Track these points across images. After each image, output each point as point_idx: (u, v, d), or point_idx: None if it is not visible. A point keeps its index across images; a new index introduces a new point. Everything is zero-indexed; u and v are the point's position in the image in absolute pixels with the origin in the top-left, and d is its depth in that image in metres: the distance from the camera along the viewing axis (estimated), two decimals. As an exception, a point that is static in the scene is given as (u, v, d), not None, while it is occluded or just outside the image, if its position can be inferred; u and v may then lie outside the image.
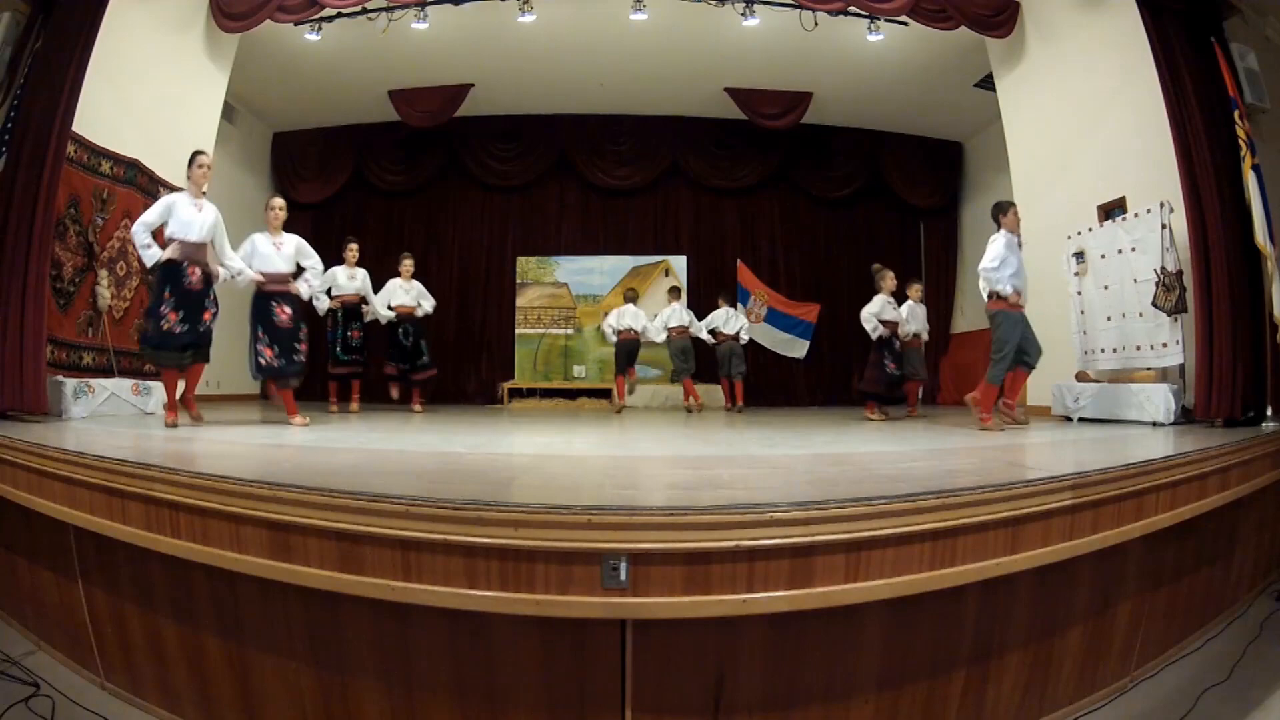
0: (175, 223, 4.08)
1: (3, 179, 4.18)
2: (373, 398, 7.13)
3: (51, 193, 4.32)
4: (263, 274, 4.52)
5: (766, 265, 9.58)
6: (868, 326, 6.15)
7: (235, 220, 4.41)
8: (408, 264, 6.83)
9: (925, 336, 6.97)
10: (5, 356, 4.03)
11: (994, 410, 4.55)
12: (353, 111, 8.88)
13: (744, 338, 7.75)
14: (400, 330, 6.69)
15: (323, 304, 5.36)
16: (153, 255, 4.04)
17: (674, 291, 7.97)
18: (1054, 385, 5.54)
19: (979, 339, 6.48)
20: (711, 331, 7.77)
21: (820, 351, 9.38)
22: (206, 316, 4.15)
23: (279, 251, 4.65)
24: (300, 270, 4.82)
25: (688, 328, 7.64)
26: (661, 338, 7.69)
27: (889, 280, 6.30)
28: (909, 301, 6.78)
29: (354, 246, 6.49)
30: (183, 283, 4.04)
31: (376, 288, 6.59)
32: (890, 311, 6.29)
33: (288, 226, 4.90)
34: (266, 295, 4.54)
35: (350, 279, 6.44)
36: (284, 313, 4.54)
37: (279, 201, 4.79)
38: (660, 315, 7.74)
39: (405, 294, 6.74)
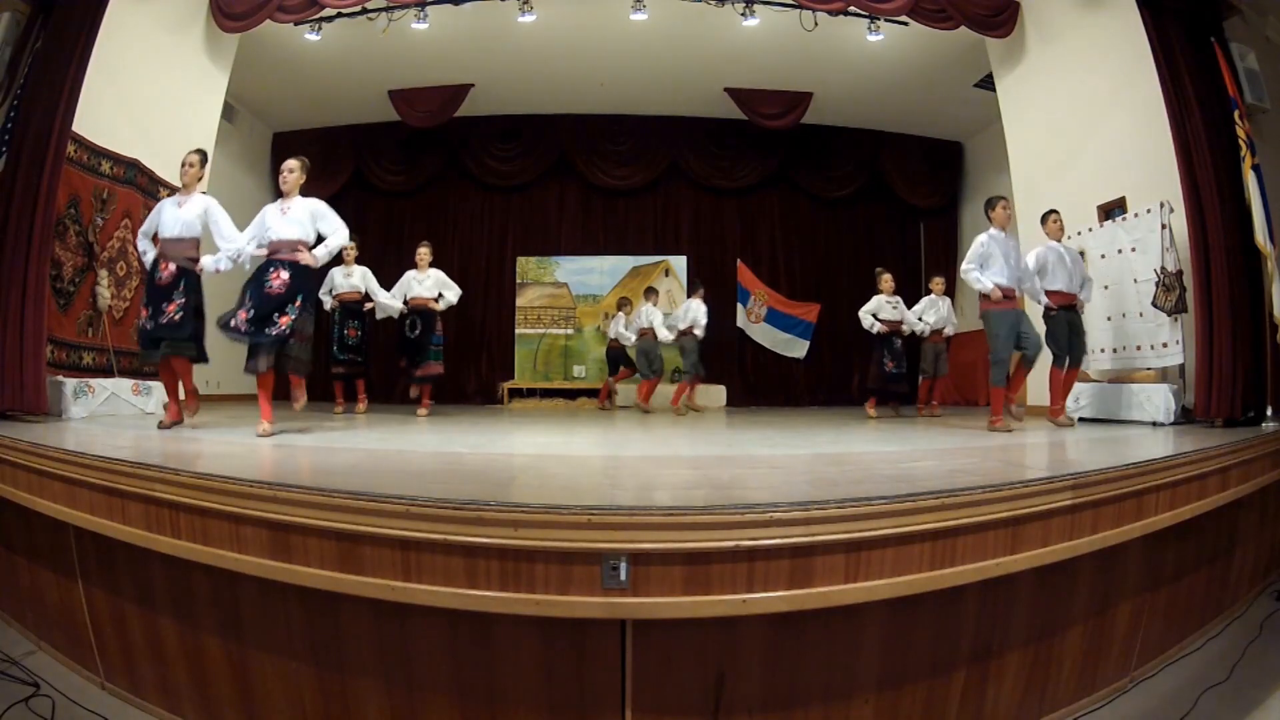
0: (160, 224, 4.08)
1: (3, 179, 4.18)
2: (378, 398, 7.11)
3: (51, 193, 4.33)
4: (270, 243, 3.99)
5: (766, 265, 9.58)
6: (864, 323, 6.52)
7: (235, 221, 4.32)
8: (423, 253, 6.39)
9: (950, 330, 6.78)
10: (5, 356, 4.03)
11: (1003, 411, 4.54)
12: (353, 111, 8.87)
13: (699, 332, 7.10)
14: (408, 323, 6.31)
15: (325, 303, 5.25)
16: (149, 260, 4.09)
17: (648, 293, 7.81)
18: (1054, 385, 5.53)
19: (979, 339, 6.48)
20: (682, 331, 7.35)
21: (820, 351, 9.40)
22: (170, 309, 3.88)
23: (285, 216, 4.02)
24: (321, 240, 4.16)
25: (650, 330, 7.36)
26: (630, 341, 7.64)
27: (885, 282, 6.56)
28: (930, 295, 6.82)
29: (350, 246, 6.17)
30: (156, 279, 4.00)
31: (384, 286, 6.35)
32: (889, 311, 6.53)
33: None
34: (266, 263, 3.96)
35: (346, 276, 6.27)
36: (278, 278, 3.84)
37: (289, 163, 4.15)
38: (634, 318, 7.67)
39: (419, 285, 6.33)
